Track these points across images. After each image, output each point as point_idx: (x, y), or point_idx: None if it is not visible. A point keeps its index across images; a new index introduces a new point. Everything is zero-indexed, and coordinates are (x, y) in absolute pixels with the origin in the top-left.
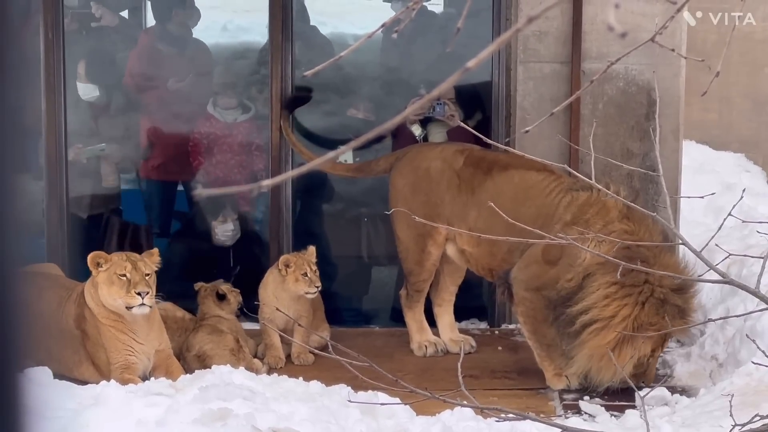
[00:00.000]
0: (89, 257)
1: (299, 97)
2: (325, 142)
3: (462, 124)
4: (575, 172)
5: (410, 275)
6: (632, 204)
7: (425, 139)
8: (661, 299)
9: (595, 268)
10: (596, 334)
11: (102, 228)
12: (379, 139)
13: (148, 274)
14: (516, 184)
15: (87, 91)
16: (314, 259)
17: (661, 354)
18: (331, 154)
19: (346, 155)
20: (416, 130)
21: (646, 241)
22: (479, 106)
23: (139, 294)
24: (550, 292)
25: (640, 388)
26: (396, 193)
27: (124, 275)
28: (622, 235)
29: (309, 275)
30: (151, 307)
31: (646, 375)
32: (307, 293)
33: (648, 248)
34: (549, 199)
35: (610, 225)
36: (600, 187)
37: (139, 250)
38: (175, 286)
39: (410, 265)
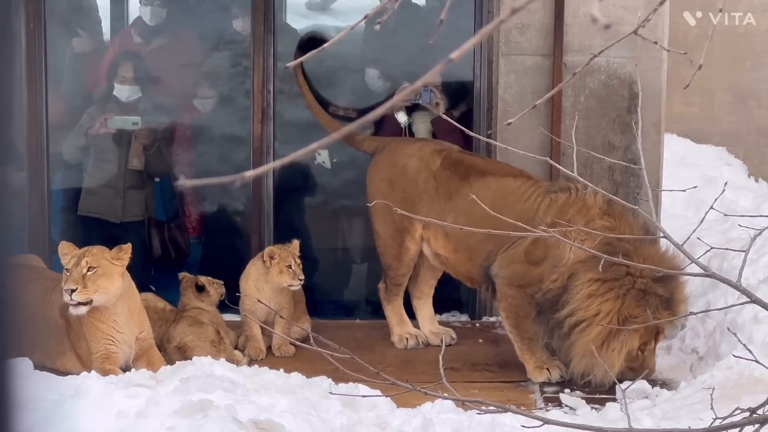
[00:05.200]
0: (59, 247)
1: (314, 39)
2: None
3: (444, 116)
4: (557, 164)
5: (389, 269)
6: (614, 197)
7: (409, 127)
8: (642, 290)
9: (578, 266)
10: (582, 332)
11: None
12: (362, 129)
13: (92, 268)
14: (493, 191)
15: (132, 93)
16: (298, 252)
17: (660, 344)
18: (313, 144)
19: (323, 156)
20: (401, 118)
21: (628, 236)
22: (465, 97)
23: (66, 291)
24: (533, 290)
25: (622, 381)
26: (373, 188)
27: (68, 270)
28: (603, 231)
29: (293, 268)
30: (86, 304)
31: (645, 367)
32: (290, 285)
33: (629, 242)
34: (528, 204)
35: (591, 223)
36: (580, 179)
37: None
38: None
39: (389, 260)
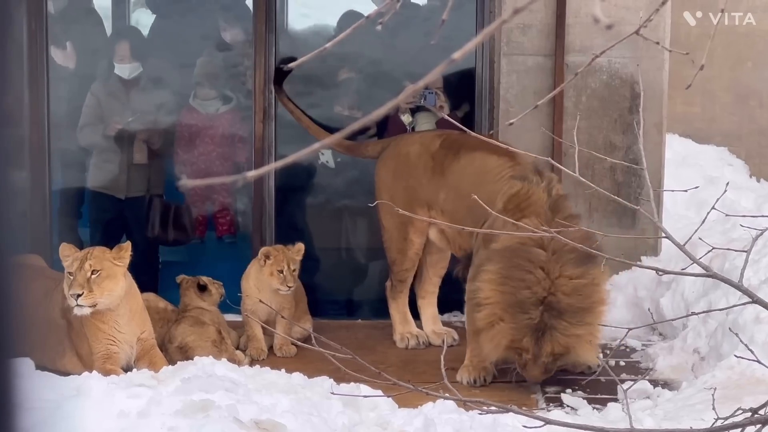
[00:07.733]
0: (60, 249)
1: (282, 67)
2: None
3: (447, 117)
4: (559, 165)
5: (393, 264)
6: (564, 198)
7: (413, 129)
8: (540, 300)
9: (494, 253)
10: (477, 312)
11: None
12: (364, 130)
13: (96, 271)
14: (476, 166)
15: (132, 70)
16: (298, 257)
17: (554, 359)
18: (315, 145)
19: (327, 156)
20: (407, 119)
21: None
22: (467, 97)
23: (72, 296)
24: None
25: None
26: (380, 182)
27: (71, 273)
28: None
29: (284, 272)
30: (91, 306)
31: (527, 370)
32: (278, 290)
33: (547, 247)
34: (497, 186)
35: (523, 219)
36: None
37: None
38: None
39: (393, 254)
